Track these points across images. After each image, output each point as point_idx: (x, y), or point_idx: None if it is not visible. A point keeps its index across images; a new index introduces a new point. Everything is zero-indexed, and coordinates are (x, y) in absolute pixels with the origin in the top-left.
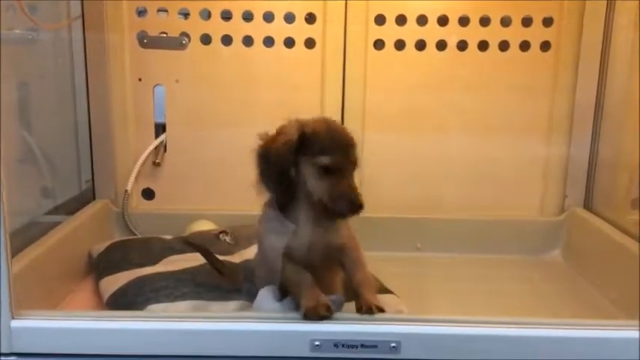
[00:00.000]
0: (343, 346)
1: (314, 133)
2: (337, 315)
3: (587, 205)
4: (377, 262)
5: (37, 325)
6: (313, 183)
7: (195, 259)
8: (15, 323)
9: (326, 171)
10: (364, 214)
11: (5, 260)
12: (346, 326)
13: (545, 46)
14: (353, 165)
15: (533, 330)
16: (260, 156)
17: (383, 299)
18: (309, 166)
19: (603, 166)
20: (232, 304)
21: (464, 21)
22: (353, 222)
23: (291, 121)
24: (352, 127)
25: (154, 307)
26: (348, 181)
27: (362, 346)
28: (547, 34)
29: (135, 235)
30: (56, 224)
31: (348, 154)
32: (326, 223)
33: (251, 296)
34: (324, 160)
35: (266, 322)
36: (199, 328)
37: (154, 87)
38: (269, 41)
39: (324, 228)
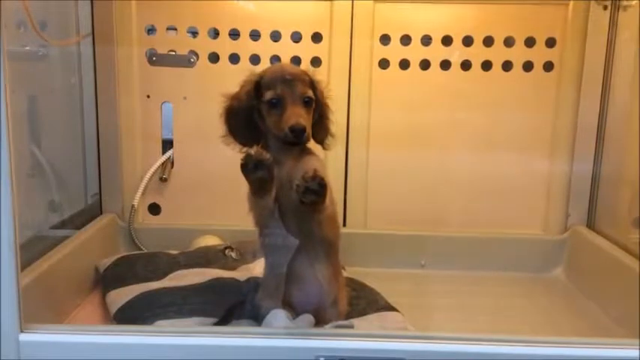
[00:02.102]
0: None
1: (266, 76)
2: (343, 332)
3: (590, 224)
4: (381, 278)
5: (45, 339)
6: (266, 119)
7: (202, 275)
8: (23, 337)
9: (271, 105)
10: (369, 230)
11: (15, 274)
12: (351, 343)
13: (548, 66)
14: (299, 96)
15: (536, 348)
16: (226, 111)
17: (388, 317)
18: (263, 106)
19: (606, 184)
20: (239, 323)
21: (468, 41)
22: (360, 237)
23: (250, 74)
24: (357, 144)
25: (162, 323)
26: (293, 111)
27: None
28: (550, 54)
29: (141, 249)
30: (62, 238)
31: (291, 87)
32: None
33: (254, 317)
34: (268, 94)
35: (271, 337)
36: (205, 344)
37: (162, 104)
38: (276, 60)
39: (295, 161)
